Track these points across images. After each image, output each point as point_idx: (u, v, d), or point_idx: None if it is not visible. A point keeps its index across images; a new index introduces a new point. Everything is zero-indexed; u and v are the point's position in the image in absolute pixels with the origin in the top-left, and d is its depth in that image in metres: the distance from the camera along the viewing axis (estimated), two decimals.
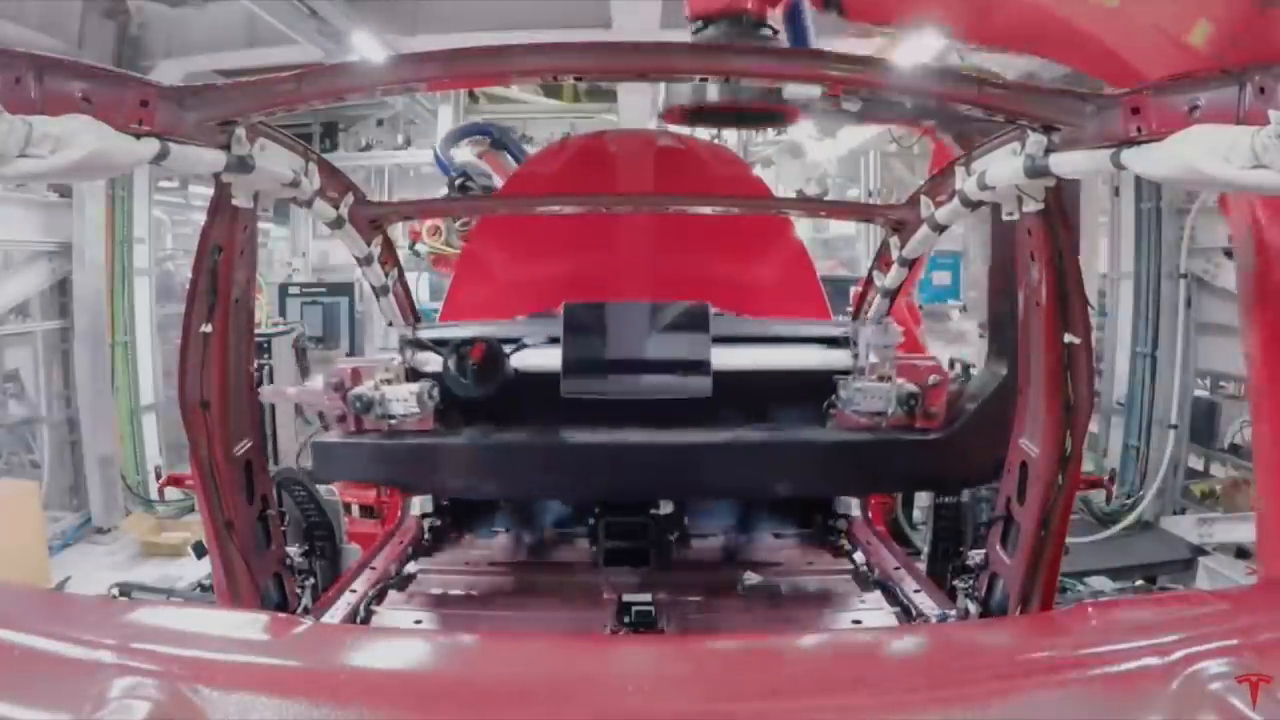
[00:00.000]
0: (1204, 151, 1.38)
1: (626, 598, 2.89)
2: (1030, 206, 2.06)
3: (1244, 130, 1.34)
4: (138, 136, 1.53)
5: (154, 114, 1.56)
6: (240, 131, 1.82)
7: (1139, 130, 1.58)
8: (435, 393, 3.15)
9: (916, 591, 3.07)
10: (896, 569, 3.29)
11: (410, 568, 3.38)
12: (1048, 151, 1.84)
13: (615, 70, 1.93)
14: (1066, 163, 1.80)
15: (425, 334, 3.47)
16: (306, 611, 2.68)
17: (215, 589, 2.34)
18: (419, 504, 3.74)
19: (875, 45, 5.98)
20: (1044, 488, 2.26)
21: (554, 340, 3.13)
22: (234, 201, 2.04)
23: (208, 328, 2.11)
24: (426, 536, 3.68)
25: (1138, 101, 1.58)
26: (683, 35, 3.58)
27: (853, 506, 3.78)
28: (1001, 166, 2.07)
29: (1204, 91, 1.47)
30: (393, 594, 3.15)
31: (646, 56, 1.85)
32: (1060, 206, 2.05)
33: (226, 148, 1.81)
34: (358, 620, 2.85)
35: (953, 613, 2.77)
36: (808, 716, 1.16)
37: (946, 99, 1.79)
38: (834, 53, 1.76)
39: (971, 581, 2.63)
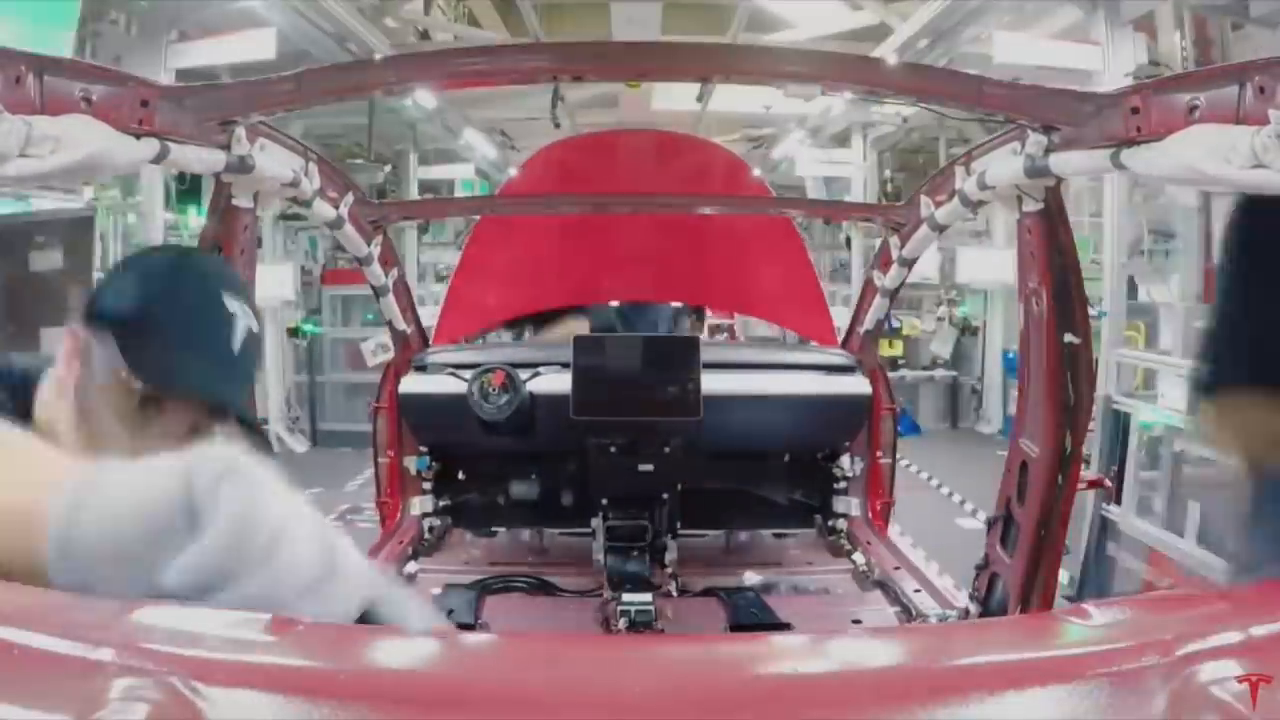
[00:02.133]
0: (1204, 152, 1.38)
1: (626, 598, 2.89)
2: (1030, 206, 2.06)
3: (1245, 130, 1.33)
4: (138, 136, 1.53)
5: (154, 114, 1.56)
6: (240, 131, 1.82)
7: (1139, 130, 1.57)
8: None
9: (917, 591, 3.07)
10: (896, 568, 3.30)
11: (410, 568, 3.38)
12: (1048, 151, 1.84)
13: (614, 70, 1.93)
14: (1067, 162, 1.79)
15: (438, 358, 3.63)
16: None
17: None
18: (419, 504, 3.75)
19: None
20: (1044, 487, 2.26)
21: (564, 365, 3.36)
22: (234, 201, 2.04)
23: None
24: (426, 536, 3.68)
25: (1138, 101, 1.58)
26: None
27: (853, 506, 3.78)
28: (1001, 166, 2.06)
29: (1204, 91, 1.46)
30: None
31: (646, 57, 1.85)
32: (1060, 206, 2.05)
33: (227, 147, 1.81)
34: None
35: (953, 613, 2.77)
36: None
37: (947, 99, 1.78)
38: (833, 53, 1.76)
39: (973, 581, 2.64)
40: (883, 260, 3.21)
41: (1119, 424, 5.55)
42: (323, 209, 2.49)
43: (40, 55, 1.39)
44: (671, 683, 1.31)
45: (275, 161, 2.02)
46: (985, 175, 2.15)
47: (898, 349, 12.21)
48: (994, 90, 1.72)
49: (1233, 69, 1.45)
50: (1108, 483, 2.52)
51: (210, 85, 1.68)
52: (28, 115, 1.29)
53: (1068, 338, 2.15)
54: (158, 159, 1.57)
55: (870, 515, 3.76)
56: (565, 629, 2.83)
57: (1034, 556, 2.32)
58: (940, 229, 2.68)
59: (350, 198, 2.68)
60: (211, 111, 1.70)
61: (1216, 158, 1.37)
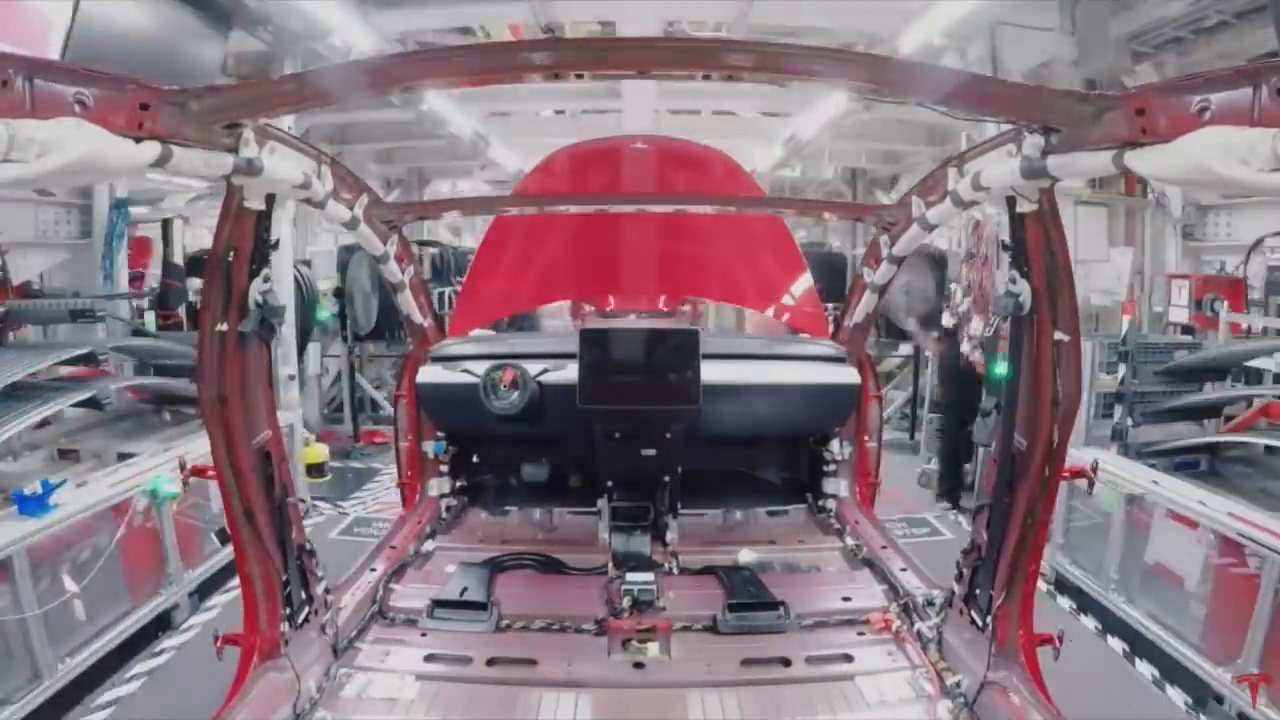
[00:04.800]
0: (1219, 153, 1.21)
1: (630, 577, 2.78)
2: (1024, 207, 1.89)
3: (1263, 132, 1.17)
4: (138, 140, 1.36)
5: (155, 117, 1.40)
6: (248, 134, 1.66)
7: (1144, 131, 1.40)
8: None
9: (903, 570, 2.95)
10: (884, 548, 3.17)
11: (428, 545, 3.27)
12: (1045, 153, 1.67)
13: (616, 67, 1.76)
14: (1065, 164, 1.62)
15: (455, 349, 3.48)
16: (328, 591, 2.56)
17: (238, 574, 2.22)
18: (436, 486, 3.63)
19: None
20: (1032, 477, 2.12)
21: (569, 356, 3.23)
22: (246, 203, 1.88)
23: (223, 326, 1.97)
24: (444, 516, 3.56)
25: (1143, 102, 1.40)
26: None
27: (841, 487, 3.65)
28: (997, 168, 1.89)
29: (1215, 92, 1.29)
30: (411, 571, 3.04)
31: (647, 54, 1.68)
32: (1053, 206, 1.88)
33: (235, 150, 1.65)
34: (376, 597, 2.74)
35: (938, 592, 2.64)
36: None
37: (950, 99, 1.61)
38: (835, 50, 1.59)
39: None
40: (873, 258, 3.04)
41: None
42: (337, 210, 2.33)
43: (31, 58, 1.23)
44: None
45: (285, 164, 1.86)
46: (979, 177, 1.98)
47: None
48: (996, 90, 1.55)
49: (1246, 70, 1.27)
50: (1090, 472, 2.36)
51: (213, 87, 1.51)
52: (14, 119, 1.14)
53: (1057, 335, 1.99)
54: (159, 162, 1.41)
55: (858, 496, 3.63)
56: (572, 607, 2.71)
57: (1020, 542, 2.18)
58: (931, 228, 2.52)
59: (365, 199, 2.52)
60: (216, 114, 1.53)
61: (1232, 159, 1.20)
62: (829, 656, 2.44)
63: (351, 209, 2.43)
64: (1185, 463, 4.62)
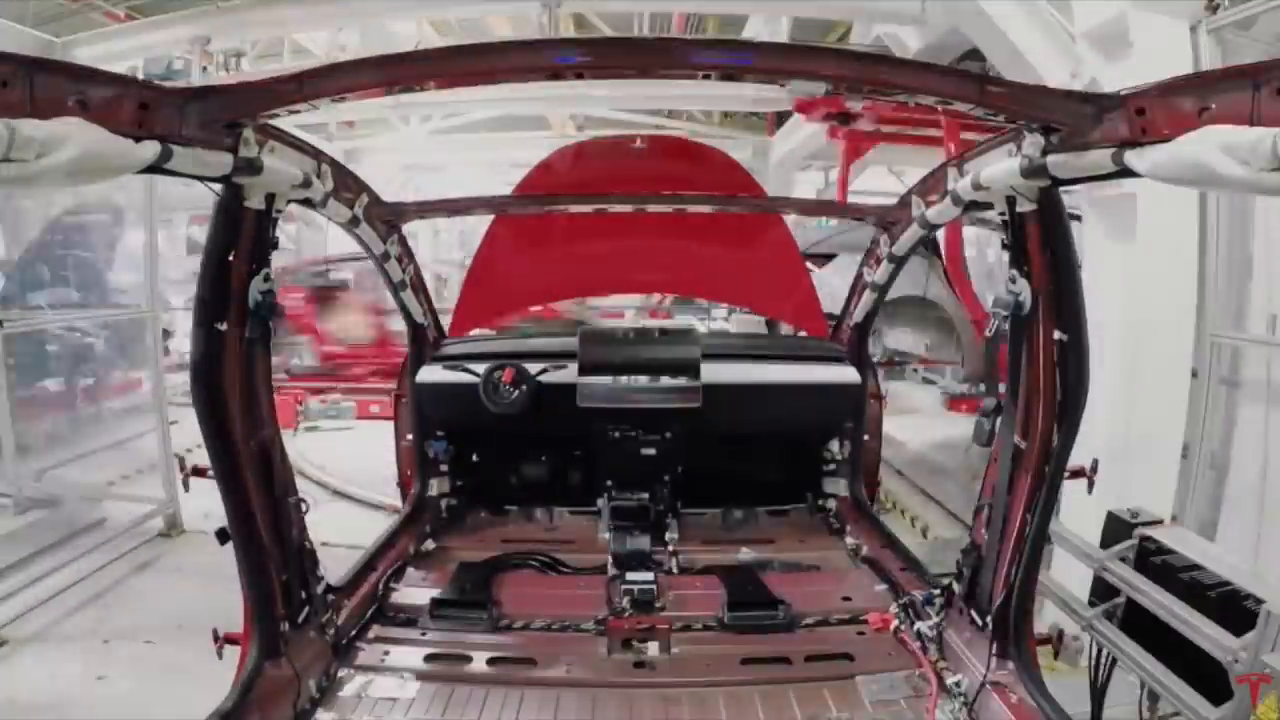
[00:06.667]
0: (1219, 152, 1.21)
1: (630, 577, 2.78)
2: (1025, 206, 1.90)
3: (1265, 131, 1.17)
4: (137, 139, 1.37)
5: (155, 116, 1.40)
6: (248, 133, 1.66)
7: (1144, 131, 1.41)
8: None
9: (903, 569, 2.95)
10: (883, 547, 3.17)
11: (428, 545, 3.27)
12: (1045, 152, 1.68)
13: (616, 67, 1.76)
14: (1065, 163, 1.63)
15: (456, 349, 3.51)
16: (328, 591, 2.57)
17: (239, 573, 2.22)
18: (436, 485, 3.63)
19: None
20: (1032, 478, 2.12)
21: (570, 356, 3.26)
22: (246, 203, 1.88)
23: (223, 325, 1.97)
24: (444, 516, 3.57)
25: (1143, 102, 1.41)
26: None
27: (841, 487, 3.65)
28: (996, 167, 1.90)
29: (1215, 92, 1.29)
30: (411, 570, 3.04)
31: (647, 54, 1.69)
32: (1056, 206, 1.88)
33: (234, 150, 1.65)
34: (376, 597, 2.74)
35: (938, 591, 2.65)
36: None
37: (949, 98, 1.62)
38: (835, 49, 1.59)
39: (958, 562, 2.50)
40: (873, 257, 3.04)
41: None
42: (338, 210, 2.33)
43: (31, 56, 1.23)
44: None
45: (285, 163, 1.86)
46: (979, 176, 1.98)
47: None
48: (996, 90, 1.56)
49: (1246, 69, 1.28)
50: (1089, 472, 2.37)
51: (212, 87, 1.51)
52: (14, 118, 1.14)
53: (1057, 335, 1.99)
54: (159, 161, 1.42)
55: (858, 496, 3.63)
56: (572, 607, 2.71)
57: (1020, 543, 2.18)
58: (931, 228, 2.52)
59: (365, 198, 2.52)
60: (216, 114, 1.54)
61: (1233, 159, 1.20)
62: (829, 656, 2.44)
63: (351, 209, 2.44)
64: None
